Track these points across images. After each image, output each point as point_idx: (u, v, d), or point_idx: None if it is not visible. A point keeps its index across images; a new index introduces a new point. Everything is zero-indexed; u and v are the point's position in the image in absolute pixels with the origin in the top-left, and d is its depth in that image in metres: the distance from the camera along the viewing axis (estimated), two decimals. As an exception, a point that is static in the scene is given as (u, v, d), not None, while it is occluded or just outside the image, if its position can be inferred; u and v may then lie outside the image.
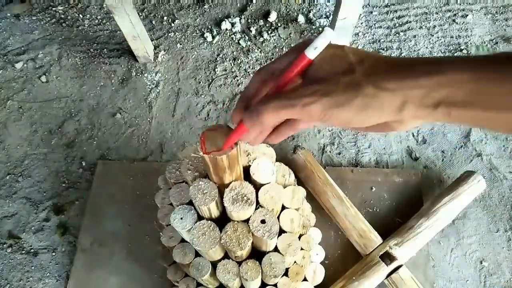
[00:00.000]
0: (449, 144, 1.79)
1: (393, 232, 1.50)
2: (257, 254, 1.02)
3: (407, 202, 1.63)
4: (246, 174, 0.90)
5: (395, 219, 1.60)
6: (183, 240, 1.07)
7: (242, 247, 0.89)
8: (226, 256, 1.03)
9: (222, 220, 0.93)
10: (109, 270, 1.57)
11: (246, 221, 0.91)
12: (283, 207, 1.02)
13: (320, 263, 1.40)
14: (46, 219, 1.69)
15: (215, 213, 0.91)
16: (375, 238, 1.47)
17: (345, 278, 1.41)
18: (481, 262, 1.55)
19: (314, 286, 1.35)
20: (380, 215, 1.62)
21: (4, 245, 1.65)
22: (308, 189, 1.57)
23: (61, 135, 1.88)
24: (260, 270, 0.99)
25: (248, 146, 0.91)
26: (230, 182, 0.84)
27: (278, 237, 0.99)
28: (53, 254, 1.62)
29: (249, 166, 0.89)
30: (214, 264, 1.04)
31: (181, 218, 0.92)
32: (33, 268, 1.61)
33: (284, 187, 1.03)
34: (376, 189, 1.66)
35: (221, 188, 0.85)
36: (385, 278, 1.41)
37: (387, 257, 1.40)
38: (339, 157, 1.77)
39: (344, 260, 1.53)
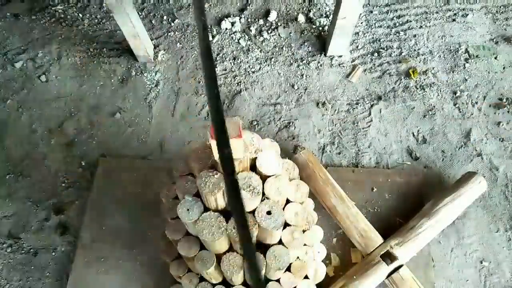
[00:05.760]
0: (450, 143, 1.79)
1: (394, 232, 1.50)
2: (261, 248, 1.03)
3: (408, 202, 1.63)
4: (252, 166, 0.92)
5: (396, 219, 1.60)
6: (188, 233, 1.08)
7: None
8: (230, 249, 1.04)
9: (228, 212, 0.94)
10: (109, 266, 1.57)
11: (252, 212, 0.92)
12: (287, 201, 1.03)
13: (322, 261, 1.40)
14: (46, 219, 1.69)
15: (222, 203, 0.92)
16: (376, 238, 1.47)
17: (346, 277, 1.41)
18: (481, 262, 1.55)
19: (316, 284, 1.35)
20: (381, 215, 1.62)
21: (4, 245, 1.65)
22: (309, 188, 1.57)
23: (60, 134, 1.88)
24: (265, 263, 1.00)
25: (254, 141, 0.93)
26: (238, 173, 0.86)
27: (282, 230, 1.01)
28: (53, 254, 1.62)
29: (255, 158, 0.91)
30: (219, 258, 1.05)
31: (188, 210, 0.94)
32: (33, 268, 1.60)
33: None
34: (377, 189, 1.66)
35: None
36: (386, 278, 1.41)
37: (388, 257, 1.40)
38: (339, 157, 1.76)
39: (345, 259, 1.53)
